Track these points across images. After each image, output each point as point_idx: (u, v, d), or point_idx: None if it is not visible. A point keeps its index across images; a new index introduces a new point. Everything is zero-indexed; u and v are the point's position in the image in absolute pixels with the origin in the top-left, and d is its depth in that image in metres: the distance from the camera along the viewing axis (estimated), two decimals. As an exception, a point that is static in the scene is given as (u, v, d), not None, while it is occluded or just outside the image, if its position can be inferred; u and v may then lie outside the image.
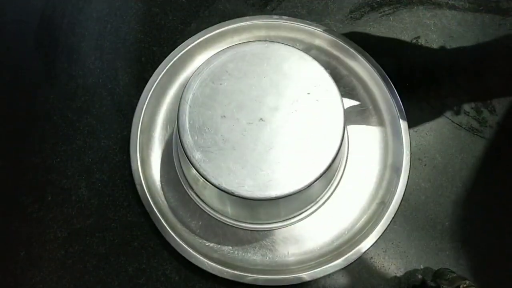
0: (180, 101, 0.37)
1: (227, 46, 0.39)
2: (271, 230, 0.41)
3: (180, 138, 0.35)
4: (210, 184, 0.34)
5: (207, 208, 0.41)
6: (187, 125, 0.36)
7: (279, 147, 0.35)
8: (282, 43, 0.39)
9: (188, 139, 0.35)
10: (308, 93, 0.37)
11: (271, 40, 0.47)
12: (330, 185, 0.41)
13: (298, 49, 0.39)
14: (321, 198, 0.41)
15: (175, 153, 0.43)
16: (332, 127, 0.36)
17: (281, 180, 0.34)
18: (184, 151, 0.35)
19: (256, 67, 0.38)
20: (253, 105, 0.36)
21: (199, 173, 0.34)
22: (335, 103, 0.36)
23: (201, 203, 0.41)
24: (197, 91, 0.37)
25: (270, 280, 0.38)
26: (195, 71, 0.38)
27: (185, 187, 0.42)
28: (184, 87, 0.38)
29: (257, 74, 0.37)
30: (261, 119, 0.36)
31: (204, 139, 0.35)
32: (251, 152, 0.35)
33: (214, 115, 0.36)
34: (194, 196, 0.41)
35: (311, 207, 0.41)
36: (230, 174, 0.34)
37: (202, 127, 0.36)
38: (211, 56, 0.39)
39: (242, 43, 0.39)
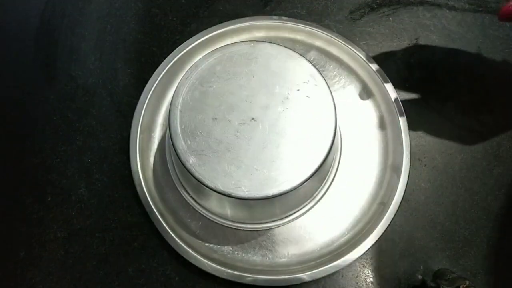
0: (170, 107, 0.37)
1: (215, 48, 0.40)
2: (271, 229, 0.41)
3: (173, 143, 0.35)
4: (206, 188, 0.34)
5: (205, 212, 0.41)
6: (179, 130, 0.36)
7: (273, 146, 0.35)
8: (269, 42, 0.39)
9: (181, 144, 0.35)
10: (298, 90, 0.37)
11: (268, 41, 0.47)
12: (326, 179, 0.41)
13: (285, 46, 0.39)
14: (317, 194, 0.41)
15: (168, 159, 0.43)
16: (324, 121, 0.36)
17: (278, 178, 0.34)
18: (178, 156, 0.35)
19: (244, 68, 0.38)
20: (244, 106, 0.36)
21: (194, 177, 0.34)
22: (325, 98, 0.36)
23: (199, 207, 0.41)
24: (187, 95, 0.37)
25: (270, 280, 0.38)
26: (183, 75, 0.38)
27: (181, 192, 0.42)
28: (174, 92, 0.37)
29: (245, 74, 0.38)
30: (252, 119, 0.36)
31: (197, 143, 0.35)
32: (245, 153, 0.35)
33: (206, 118, 0.36)
34: (191, 200, 0.41)
35: (309, 203, 0.41)
36: (226, 176, 0.34)
37: (194, 131, 0.36)
38: (198, 60, 0.39)
39: (228, 44, 0.39)
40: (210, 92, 0.37)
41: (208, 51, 0.40)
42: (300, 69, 0.38)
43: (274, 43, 0.39)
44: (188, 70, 0.38)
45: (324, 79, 0.37)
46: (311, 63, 0.38)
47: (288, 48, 0.39)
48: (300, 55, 0.38)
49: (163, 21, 0.52)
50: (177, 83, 0.38)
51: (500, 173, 0.44)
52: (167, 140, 0.42)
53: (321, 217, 0.42)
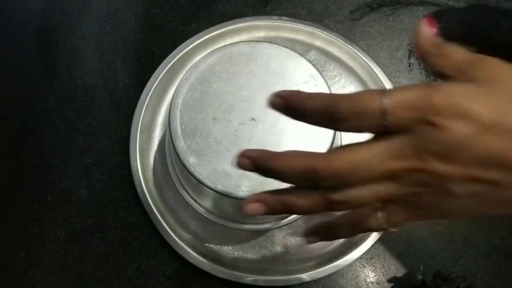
0: (170, 107, 0.37)
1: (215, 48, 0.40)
2: (271, 229, 0.41)
3: (173, 143, 0.35)
4: (206, 188, 0.34)
5: (205, 212, 0.41)
6: (179, 130, 0.36)
7: (273, 146, 0.35)
8: (269, 42, 0.39)
9: (181, 144, 0.35)
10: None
11: (268, 41, 0.47)
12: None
13: (285, 46, 0.39)
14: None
15: (168, 159, 0.43)
16: None
17: None
18: (178, 156, 0.35)
19: (244, 68, 0.38)
20: (244, 106, 0.36)
21: (194, 177, 0.34)
22: None
23: (199, 207, 0.41)
24: (187, 95, 0.37)
25: (270, 280, 0.38)
26: (183, 75, 0.38)
27: (181, 192, 0.42)
28: (174, 92, 0.37)
29: (245, 74, 0.38)
30: (252, 119, 0.36)
31: (197, 143, 0.35)
32: None
33: (206, 118, 0.36)
34: (191, 200, 0.41)
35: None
36: (226, 176, 0.34)
37: (194, 131, 0.36)
38: (198, 60, 0.39)
39: (228, 44, 0.40)
40: (210, 92, 0.37)
41: (208, 51, 0.40)
42: (300, 69, 0.38)
43: (274, 43, 0.39)
44: (188, 70, 0.38)
45: (324, 79, 0.37)
46: (311, 63, 0.38)
47: (288, 48, 0.39)
48: (300, 55, 0.38)
49: (163, 21, 0.52)
50: (177, 83, 0.38)
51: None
52: (167, 140, 0.42)
53: (321, 217, 0.42)
